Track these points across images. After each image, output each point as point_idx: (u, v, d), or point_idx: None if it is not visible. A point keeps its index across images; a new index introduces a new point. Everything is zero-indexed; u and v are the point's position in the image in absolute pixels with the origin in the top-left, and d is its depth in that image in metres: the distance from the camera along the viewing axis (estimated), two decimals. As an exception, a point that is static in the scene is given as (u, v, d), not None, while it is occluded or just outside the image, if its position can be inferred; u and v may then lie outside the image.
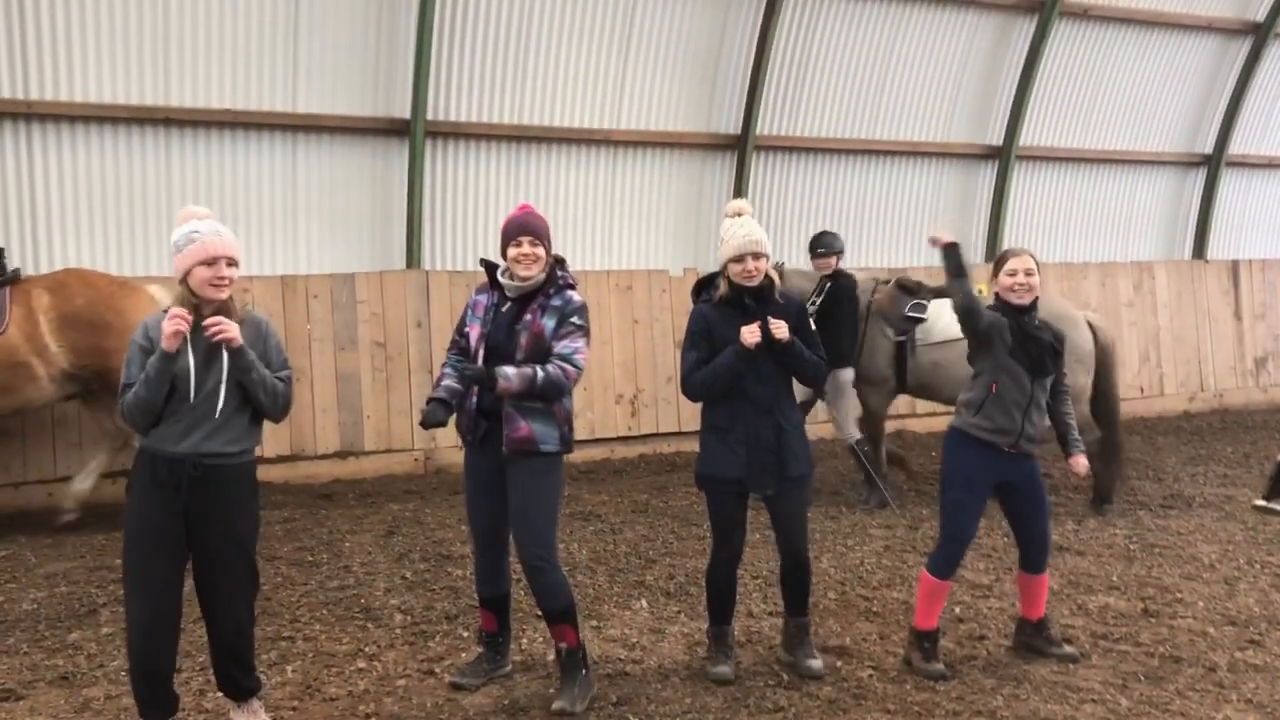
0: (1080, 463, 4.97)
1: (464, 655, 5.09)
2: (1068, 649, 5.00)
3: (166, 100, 9.51)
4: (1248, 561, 6.56)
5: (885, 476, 8.74)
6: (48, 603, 6.18)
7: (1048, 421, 4.97)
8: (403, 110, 10.32)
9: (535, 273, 4.57)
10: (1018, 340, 4.79)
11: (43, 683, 4.91)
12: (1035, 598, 5.04)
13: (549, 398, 4.52)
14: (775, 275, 4.85)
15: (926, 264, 12.89)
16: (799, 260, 10.45)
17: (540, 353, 4.52)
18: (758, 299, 4.75)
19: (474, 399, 4.59)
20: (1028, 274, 4.83)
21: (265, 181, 10.05)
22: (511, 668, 4.86)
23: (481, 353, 4.56)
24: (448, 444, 10.16)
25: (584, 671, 4.59)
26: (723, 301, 4.78)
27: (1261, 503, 8.07)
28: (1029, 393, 4.77)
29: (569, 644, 4.57)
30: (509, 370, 4.44)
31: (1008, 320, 4.81)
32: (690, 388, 4.82)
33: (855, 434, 8.68)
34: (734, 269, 4.72)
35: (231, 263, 4.02)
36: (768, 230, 13.12)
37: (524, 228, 4.57)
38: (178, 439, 3.95)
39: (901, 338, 8.81)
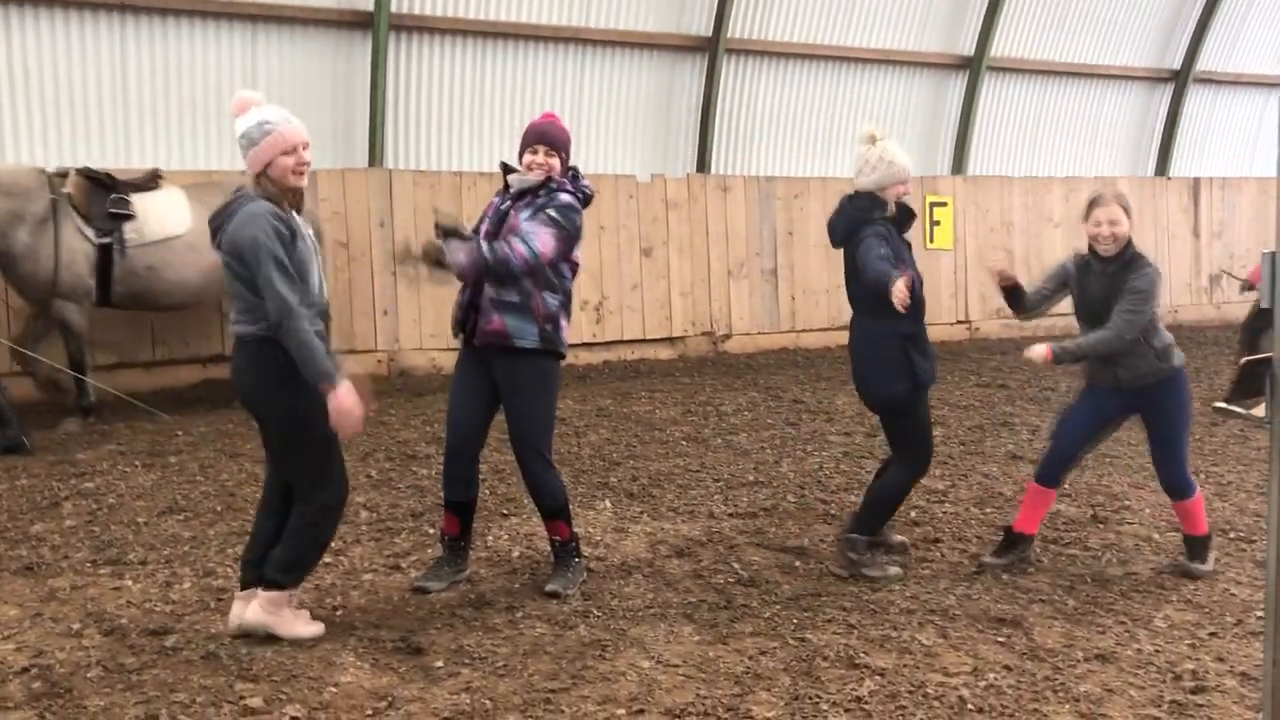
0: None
1: (430, 551, 5.16)
2: (1195, 566, 4.99)
3: (120, -14, 9.19)
4: (1193, 472, 6.71)
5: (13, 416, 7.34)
6: (8, 495, 6.18)
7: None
8: (366, 2, 10.04)
9: (545, 177, 4.61)
10: (1081, 287, 4.89)
11: (7, 573, 4.93)
12: (1182, 518, 5.08)
13: (498, 276, 4.45)
14: None
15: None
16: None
17: None
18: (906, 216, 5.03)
19: (467, 292, 4.61)
20: (1111, 224, 4.76)
21: (225, 73, 9.79)
22: (471, 570, 4.92)
23: None
24: (411, 346, 10.14)
25: (576, 559, 4.81)
26: (895, 221, 4.95)
27: (1223, 404, 8.22)
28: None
29: (562, 537, 4.77)
30: (455, 244, 4.42)
31: (1078, 267, 4.92)
32: (872, 264, 4.74)
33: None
34: (899, 190, 4.91)
35: (307, 146, 4.01)
36: (736, 138, 13.06)
37: (542, 136, 4.64)
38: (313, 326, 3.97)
39: (106, 239, 7.79)
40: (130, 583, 4.81)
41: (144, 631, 4.24)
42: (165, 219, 8.10)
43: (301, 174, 4.01)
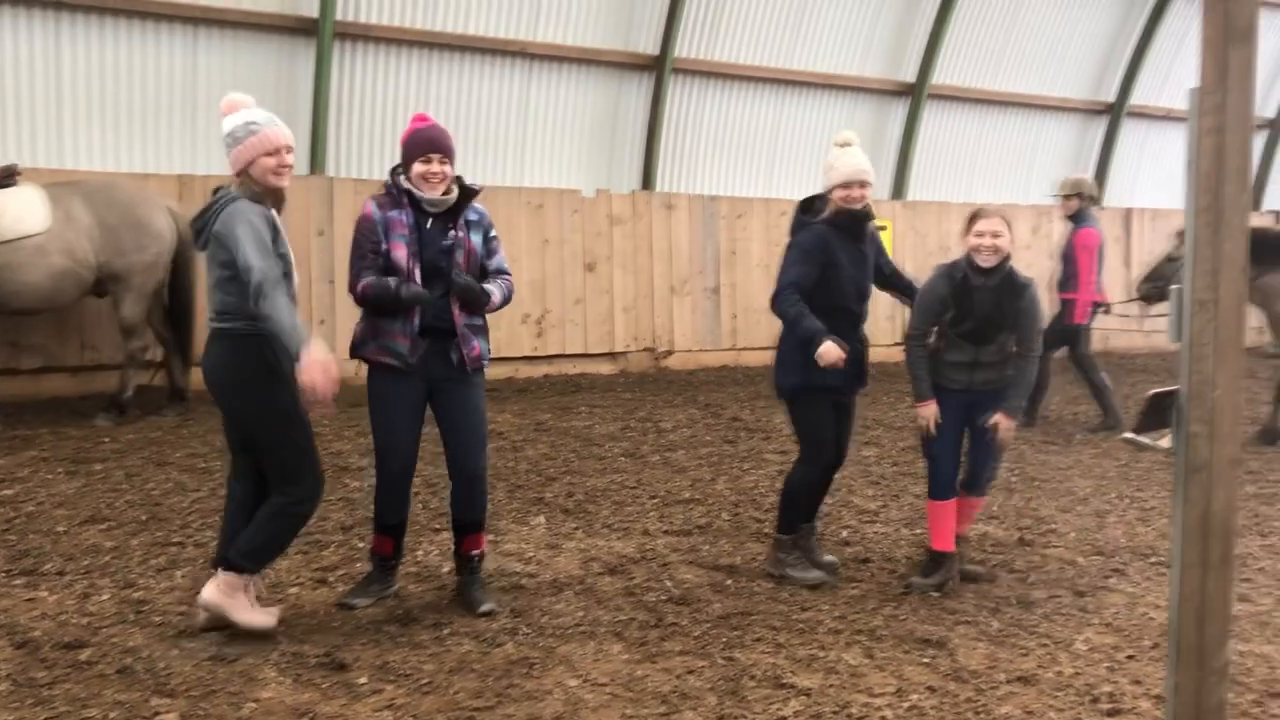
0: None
1: (358, 565, 5.09)
2: (975, 566, 5.25)
3: (56, -17, 9.02)
4: (1118, 496, 6.90)
5: None
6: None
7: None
8: (310, 9, 9.96)
9: (443, 189, 4.50)
10: (962, 303, 4.92)
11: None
12: (966, 517, 5.31)
13: (499, 309, 4.68)
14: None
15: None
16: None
17: (476, 268, 4.55)
18: (865, 223, 5.04)
19: (416, 321, 4.45)
20: (994, 236, 4.86)
21: (164, 76, 9.64)
22: (399, 585, 4.86)
23: (418, 273, 4.42)
24: (347, 356, 10.01)
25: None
26: (833, 223, 4.98)
27: (1130, 435, 8.41)
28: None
29: (480, 549, 4.78)
30: (489, 286, 4.52)
31: (954, 287, 4.93)
32: (783, 307, 4.93)
33: None
34: (840, 194, 4.94)
35: (290, 150, 4.09)
36: (681, 157, 13.14)
37: (435, 143, 4.45)
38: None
39: None
40: (46, 594, 4.68)
41: (57, 645, 4.12)
42: (22, 217, 7.72)
43: (282, 175, 4.11)
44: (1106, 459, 7.99)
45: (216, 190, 4.19)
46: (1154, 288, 9.08)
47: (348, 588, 4.81)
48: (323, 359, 3.91)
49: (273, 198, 4.15)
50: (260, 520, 4.21)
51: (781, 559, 5.15)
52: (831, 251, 4.96)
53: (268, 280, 3.92)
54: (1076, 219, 8.97)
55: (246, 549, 4.18)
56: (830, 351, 4.81)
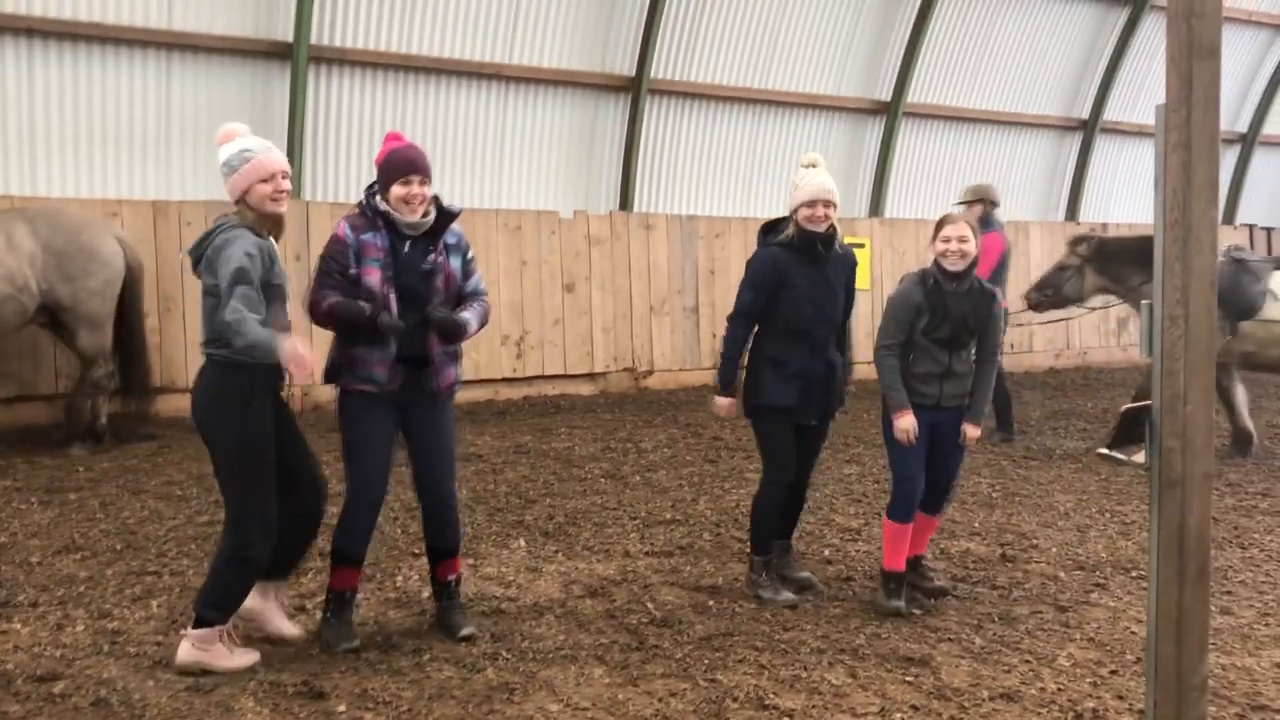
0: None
1: (337, 592, 5.02)
2: (939, 581, 5.23)
3: (29, 9, 8.98)
4: (1099, 511, 6.91)
5: None
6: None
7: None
8: (285, 33, 9.95)
9: (423, 211, 4.42)
10: (937, 309, 4.92)
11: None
12: (927, 533, 5.31)
13: (476, 334, 4.63)
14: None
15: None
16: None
17: (455, 293, 4.48)
18: (826, 245, 5.02)
19: (394, 346, 4.36)
20: (960, 241, 4.90)
21: (137, 102, 9.61)
22: (377, 611, 4.81)
23: (394, 298, 4.33)
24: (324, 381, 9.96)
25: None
26: (790, 245, 5.01)
27: (1104, 450, 8.46)
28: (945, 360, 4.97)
29: (457, 574, 4.71)
30: (466, 315, 4.46)
31: (927, 293, 4.93)
32: (727, 343, 5.20)
33: None
34: (804, 213, 4.98)
35: (286, 175, 4.15)
36: (659, 177, 13.17)
37: (414, 165, 4.36)
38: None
39: None
40: (19, 626, 4.61)
41: (30, 678, 4.06)
42: None
43: (279, 201, 4.16)
44: (1087, 473, 8.01)
45: (219, 219, 4.21)
46: (1042, 296, 9.17)
47: (331, 629, 4.52)
48: (299, 344, 4.02)
49: (271, 225, 4.19)
50: (216, 570, 4.21)
51: (754, 579, 5.16)
52: (784, 273, 4.97)
53: (243, 325, 3.95)
54: (980, 225, 9.04)
55: (209, 601, 4.15)
56: (720, 408, 5.17)
